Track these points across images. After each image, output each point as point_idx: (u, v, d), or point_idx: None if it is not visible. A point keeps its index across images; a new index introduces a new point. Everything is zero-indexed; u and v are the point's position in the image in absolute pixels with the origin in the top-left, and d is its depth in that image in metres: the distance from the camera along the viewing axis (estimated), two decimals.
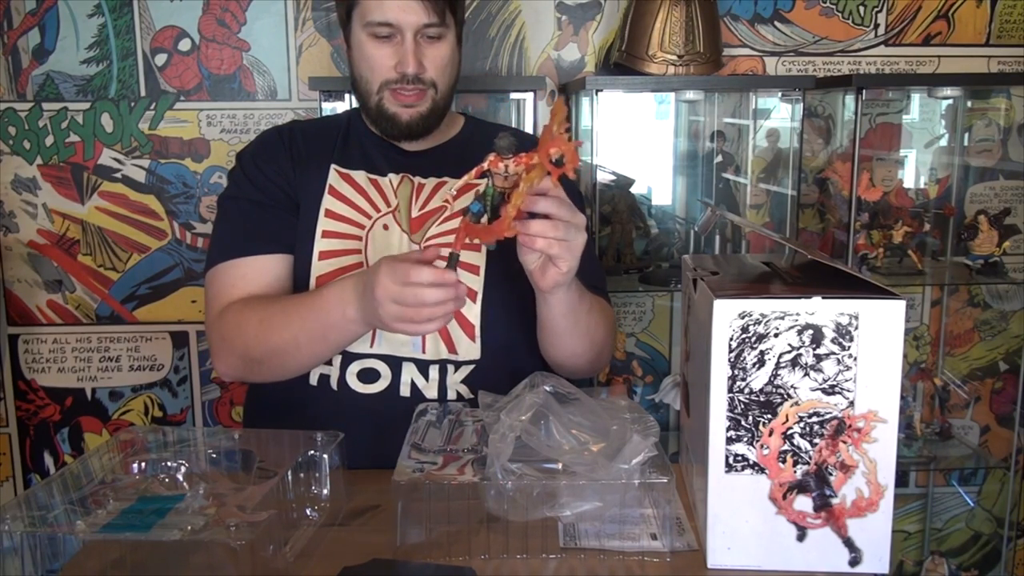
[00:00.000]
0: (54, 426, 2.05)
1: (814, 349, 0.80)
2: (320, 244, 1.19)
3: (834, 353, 0.80)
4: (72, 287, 2.00)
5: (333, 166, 1.24)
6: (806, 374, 0.81)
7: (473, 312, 1.18)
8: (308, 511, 0.92)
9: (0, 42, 1.90)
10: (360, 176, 1.24)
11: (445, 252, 0.96)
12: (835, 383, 0.80)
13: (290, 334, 1.09)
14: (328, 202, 1.21)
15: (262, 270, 1.18)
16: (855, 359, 0.80)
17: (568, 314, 1.10)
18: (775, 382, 0.81)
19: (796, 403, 0.81)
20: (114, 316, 2.02)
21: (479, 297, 1.18)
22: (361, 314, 1.04)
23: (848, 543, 0.83)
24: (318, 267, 1.18)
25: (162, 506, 0.82)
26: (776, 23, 1.99)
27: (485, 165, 0.92)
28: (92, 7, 1.90)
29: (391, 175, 1.24)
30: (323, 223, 1.20)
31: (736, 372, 0.81)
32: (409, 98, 1.17)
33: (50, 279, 2.00)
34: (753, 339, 0.80)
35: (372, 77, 1.19)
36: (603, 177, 1.89)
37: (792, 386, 0.81)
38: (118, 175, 1.97)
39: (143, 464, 0.94)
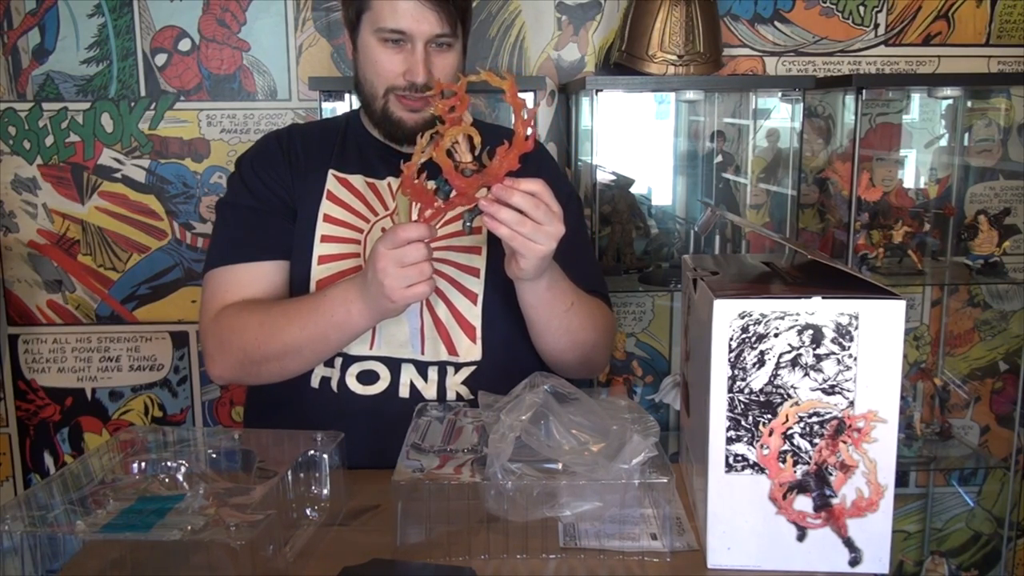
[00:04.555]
0: (54, 426, 2.05)
1: (814, 349, 0.80)
2: (319, 249, 1.19)
3: (834, 353, 0.80)
4: (72, 287, 2.00)
5: (331, 171, 1.24)
6: (806, 374, 0.81)
7: (474, 314, 1.18)
8: (308, 511, 0.92)
9: (0, 42, 1.90)
10: (358, 180, 1.24)
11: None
12: (835, 383, 0.80)
13: (291, 337, 1.10)
14: (326, 207, 1.21)
15: (258, 276, 1.18)
16: (855, 359, 0.80)
17: (539, 307, 1.11)
18: (775, 382, 0.81)
19: (796, 403, 0.81)
20: (114, 316, 2.02)
21: (480, 299, 1.19)
22: (366, 306, 1.05)
23: (848, 543, 0.83)
24: (318, 271, 1.18)
25: (162, 506, 0.82)
26: (776, 23, 1.99)
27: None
28: (92, 7, 1.90)
29: (390, 178, 1.24)
30: (321, 228, 1.20)
31: (736, 372, 0.81)
32: (415, 104, 1.18)
33: (50, 279, 2.00)
34: (753, 339, 0.80)
35: (378, 81, 1.19)
36: (603, 177, 1.88)
37: (792, 386, 0.81)
38: (118, 175, 1.97)
39: (143, 464, 0.94)
